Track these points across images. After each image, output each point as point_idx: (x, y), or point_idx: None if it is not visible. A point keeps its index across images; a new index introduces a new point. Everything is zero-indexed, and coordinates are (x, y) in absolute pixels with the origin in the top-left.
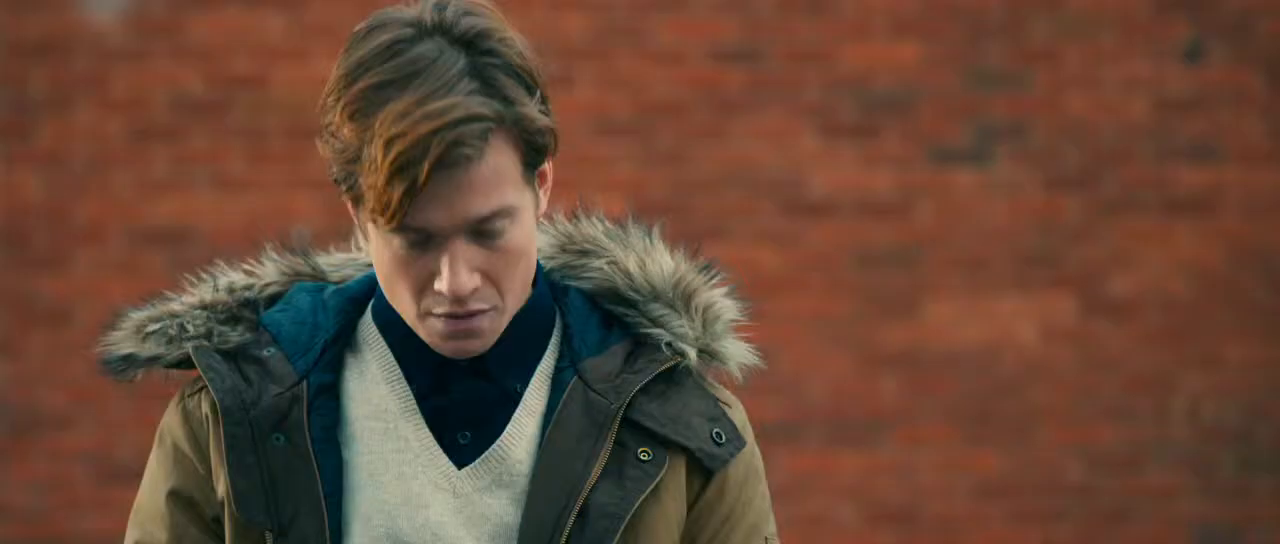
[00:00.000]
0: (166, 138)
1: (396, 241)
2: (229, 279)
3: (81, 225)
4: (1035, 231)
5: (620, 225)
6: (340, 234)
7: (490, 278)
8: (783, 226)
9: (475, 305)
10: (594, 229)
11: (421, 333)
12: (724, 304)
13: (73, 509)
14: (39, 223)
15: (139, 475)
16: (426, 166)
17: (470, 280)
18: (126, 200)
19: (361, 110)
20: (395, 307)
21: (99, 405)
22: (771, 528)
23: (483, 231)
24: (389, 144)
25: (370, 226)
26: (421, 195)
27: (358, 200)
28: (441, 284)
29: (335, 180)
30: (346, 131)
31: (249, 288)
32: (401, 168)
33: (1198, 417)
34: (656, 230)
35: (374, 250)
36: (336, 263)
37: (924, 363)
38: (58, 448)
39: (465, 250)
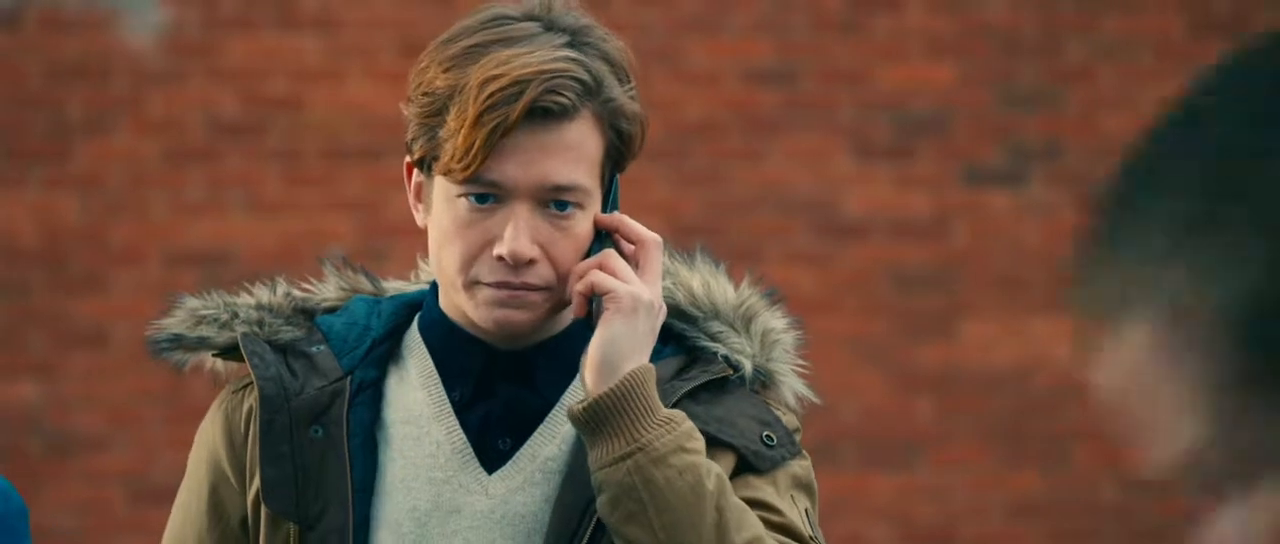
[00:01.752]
0: (202, 160)
1: (461, 203)
2: (287, 288)
3: (118, 247)
4: (1070, 252)
5: (689, 253)
6: (374, 255)
7: (548, 256)
8: (817, 247)
9: (528, 279)
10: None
11: (465, 303)
12: (785, 335)
13: (109, 531)
14: (76, 245)
15: (175, 497)
16: (520, 107)
17: (531, 248)
18: (163, 222)
19: (459, 63)
20: (441, 276)
21: (136, 427)
22: (811, 533)
23: (552, 205)
24: (485, 84)
25: (436, 190)
26: (504, 146)
27: (429, 161)
28: (502, 247)
29: (409, 142)
30: (439, 82)
31: (307, 300)
32: (494, 106)
33: None
34: (723, 265)
35: (433, 217)
36: (397, 287)
37: (959, 383)
38: (94, 469)
39: (531, 218)
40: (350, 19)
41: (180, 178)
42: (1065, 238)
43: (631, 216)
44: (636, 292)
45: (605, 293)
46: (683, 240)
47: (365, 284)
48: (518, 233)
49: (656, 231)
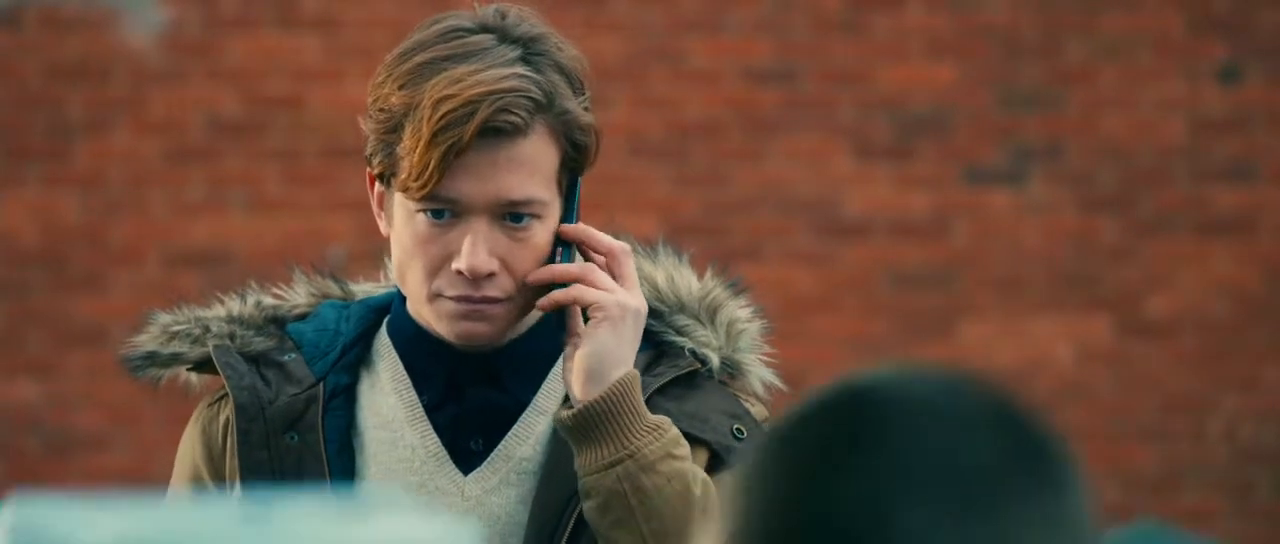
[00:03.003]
0: (202, 159)
1: (420, 218)
2: (258, 297)
3: (118, 247)
4: (1071, 252)
5: (650, 245)
6: (375, 255)
7: (507, 268)
8: (817, 247)
9: (488, 291)
10: None
11: (429, 316)
12: (750, 325)
13: None
14: (76, 244)
15: None
16: (472, 127)
17: (489, 262)
18: (163, 222)
19: (413, 80)
20: (405, 289)
21: (135, 426)
22: None
23: (509, 218)
24: (438, 104)
25: (396, 204)
26: (459, 164)
27: (388, 176)
28: (460, 262)
29: (368, 156)
30: (394, 100)
31: (278, 307)
32: (447, 127)
33: (1234, 438)
34: (686, 256)
35: (394, 231)
36: (365, 290)
37: None
38: (93, 469)
39: (488, 232)
40: (350, 18)
41: (180, 177)
42: (1065, 238)
43: (632, 215)
44: (623, 300)
45: (591, 305)
46: (684, 240)
47: (334, 289)
48: (475, 248)
49: (655, 231)
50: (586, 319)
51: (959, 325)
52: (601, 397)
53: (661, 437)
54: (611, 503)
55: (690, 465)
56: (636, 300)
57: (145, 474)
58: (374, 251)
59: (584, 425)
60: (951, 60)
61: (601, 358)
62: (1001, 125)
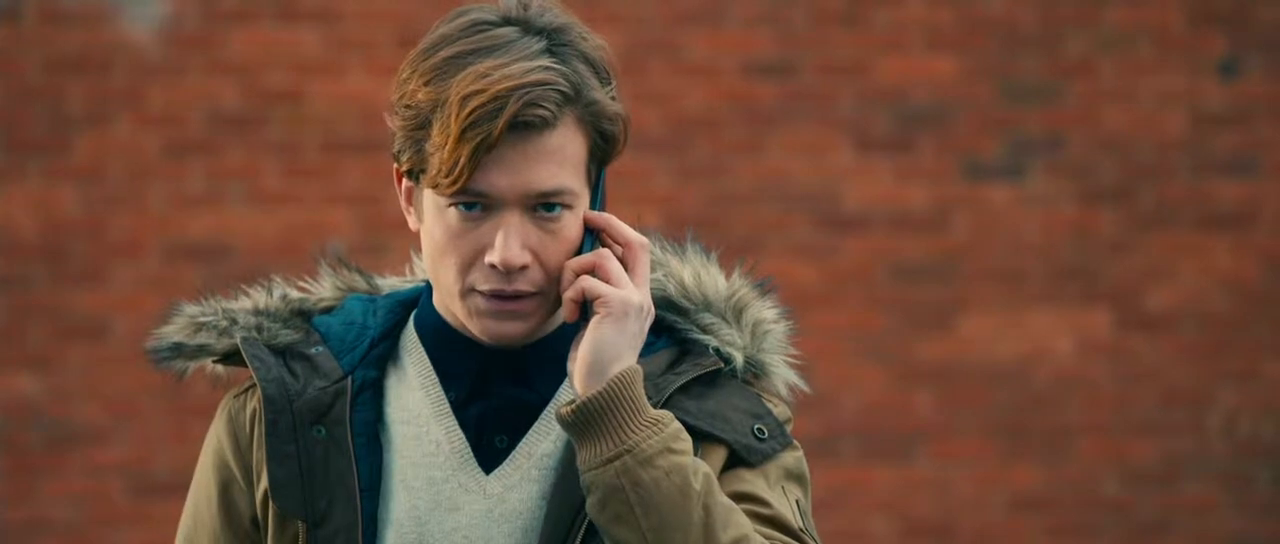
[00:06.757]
0: (202, 152)
1: (451, 213)
2: (284, 290)
3: (118, 240)
4: (1071, 246)
5: (679, 243)
6: (374, 248)
7: (539, 260)
8: (817, 240)
9: (521, 286)
10: (652, 243)
11: (462, 312)
12: (776, 326)
13: (109, 524)
14: (76, 238)
15: (176, 489)
16: (501, 122)
17: (522, 255)
18: (162, 215)
19: (440, 75)
20: (438, 285)
21: (136, 419)
22: (800, 524)
23: (541, 208)
24: (465, 99)
25: (426, 200)
26: (489, 158)
27: (417, 172)
28: (493, 255)
29: (395, 154)
30: (421, 96)
31: (304, 300)
32: (476, 122)
33: (1234, 431)
34: (714, 255)
35: (425, 226)
36: (391, 284)
37: (959, 377)
38: (95, 462)
39: (520, 225)
40: (350, 11)
41: (180, 170)
42: (1065, 231)
43: (633, 209)
44: (627, 296)
45: (596, 298)
46: (683, 233)
47: (360, 282)
48: (508, 240)
49: (657, 225)
50: (591, 312)
51: (959, 318)
52: (600, 392)
53: (661, 431)
54: (610, 498)
55: (691, 460)
56: (642, 297)
57: (145, 467)
58: (374, 245)
59: (583, 421)
60: (951, 53)
61: (602, 352)
62: (1001, 118)
